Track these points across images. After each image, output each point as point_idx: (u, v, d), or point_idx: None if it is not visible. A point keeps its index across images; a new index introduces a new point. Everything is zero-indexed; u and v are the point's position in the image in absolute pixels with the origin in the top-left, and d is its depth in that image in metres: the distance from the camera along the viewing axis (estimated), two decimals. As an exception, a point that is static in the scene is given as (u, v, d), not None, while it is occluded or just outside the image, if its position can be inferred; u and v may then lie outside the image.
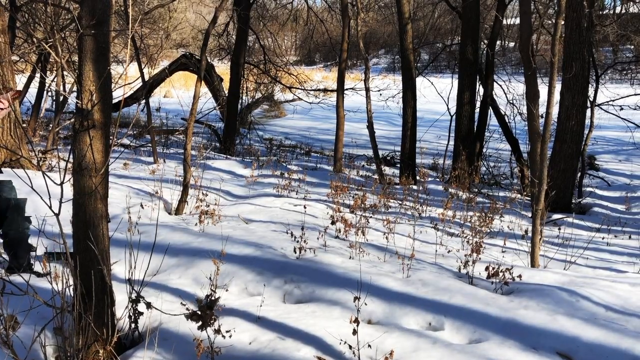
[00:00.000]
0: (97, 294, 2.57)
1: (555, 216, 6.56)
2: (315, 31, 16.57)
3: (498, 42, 16.26)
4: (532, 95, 5.30)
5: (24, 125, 8.33)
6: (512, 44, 26.67)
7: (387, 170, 9.48)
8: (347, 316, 3.04)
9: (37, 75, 8.76)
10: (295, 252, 4.17)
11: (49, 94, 9.99)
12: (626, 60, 16.02)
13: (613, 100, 8.94)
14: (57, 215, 2.49)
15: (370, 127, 8.51)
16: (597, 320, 3.19)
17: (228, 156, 9.46)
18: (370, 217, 5.67)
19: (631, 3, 13.34)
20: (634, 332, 3.08)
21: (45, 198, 2.44)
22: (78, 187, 2.59)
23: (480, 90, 9.27)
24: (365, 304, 3.16)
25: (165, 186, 6.10)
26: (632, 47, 20.71)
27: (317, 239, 4.62)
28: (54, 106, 9.77)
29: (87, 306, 2.55)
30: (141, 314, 2.79)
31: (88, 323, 2.52)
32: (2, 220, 3.63)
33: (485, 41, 9.99)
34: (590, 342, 2.92)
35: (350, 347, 2.63)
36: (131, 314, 2.79)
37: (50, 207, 2.48)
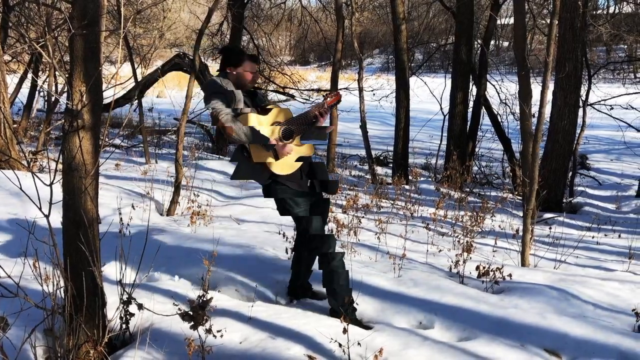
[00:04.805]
0: (88, 295, 2.57)
1: (547, 215, 6.61)
2: (310, 31, 16.55)
3: (492, 42, 16.31)
4: (525, 94, 5.32)
5: (15, 125, 8.30)
6: (505, 44, 26.77)
7: (380, 170, 9.50)
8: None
9: (29, 75, 8.73)
10: (287, 253, 4.18)
11: (41, 94, 9.95)
12: (618, 60, 16.13)
13: (605, 100, 9.00)
14: (47, 216, 2.49)
15: (363, 126, 8.54)
16: (585, 318, 3.22)
17: (220, 156, 9.47)
18: (363, 217, 5.69)
19: (624, 3, 13.42)
20: (622, 329, 3.12)
21: (35, 199, 2.44)
22: (68, 188, 2.59)
23: (473, 89, 9.30)
24: (357, 304, 3.17)
25: (157, 187, 6.09)
26: (625, 46, 20.85)
27: (310, 239, 4.63)
28: (45, 106, 9.73)
29: (78, 307, 2.55)
30: (132, 315, 2.80)
31: (79, 324, 2.52)
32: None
33: (479, 41, 10.03)
34: (579, 339, 2.95)
35: (340, 345, 2.64)
36: (122, 315, 2.79)
37: (40, 209, 2.48)
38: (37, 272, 2.75)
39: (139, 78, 9.05)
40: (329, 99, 3.31)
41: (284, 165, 3.16)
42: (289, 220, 5.20)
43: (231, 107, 3.09)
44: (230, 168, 8.06)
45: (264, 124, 3.12)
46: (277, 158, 3.12)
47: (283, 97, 12.15)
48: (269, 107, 3.26)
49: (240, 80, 3.22)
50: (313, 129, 3.28)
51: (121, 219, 4.34)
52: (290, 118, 3.24)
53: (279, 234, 4.71)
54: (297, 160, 3.21)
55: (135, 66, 8.49)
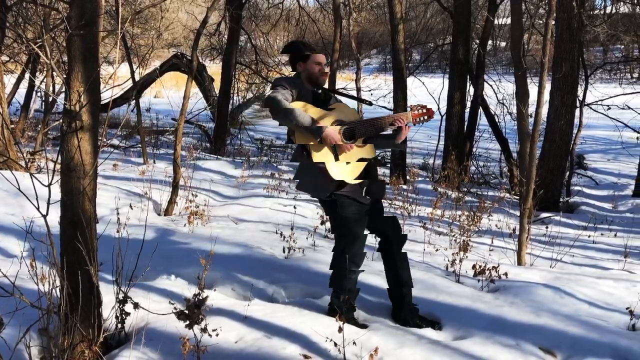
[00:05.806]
0: (84, 294, 2.58)
1: (543, 215, 6.62)
2: (308, 31, 16.54)
3: (489, 42, 16.34)
4: (522, 95, 5.34)
5: (12, 126, 8.29)
6: (503, 44, 26.82)
7: (378, 170, 9.51)
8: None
9: (27, 75, 8.72)
10: (284, 252, 4.19)
11: (38, 94, 9.95)
12: (615, 60, 16.15)
13: (602, 100, 9.02)
14: (44, 217, 2.50)
15: (361, 127, 8.51)
16: (580, 316, 3.24)
17: (218, 156, 9.46)
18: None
19: (621, 3, 13.44)
20: (616, 327, 3.14)
21: (33, 199, 2.45)
22: (66, 188, 2.60)
23: (470, 90, 9.32)
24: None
25: (154, 187, 6.09)
26: (622, 46, 20.90)
27: (307, 238, 4.65)
28: (43, 107, 9.72)
29: (74, 306, 2.56)
30: (128, 314, 2.80)
31: (74, 323, 2.53)
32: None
33: (477, 41, 10.04)
34: (573, 337, 2.96)
35: (335, 344, 2.65)
36: (118, 315, 2.80)
37: (38, 209, 2.49)
38: (33, 271, 2.75)
39: (137, 78, 9.05)
40: (416, 111, 3.07)
41: (343, 169, 2.89)
42: (286, 219, 5.22)
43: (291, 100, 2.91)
44: (228, 168, 8.05)
45: (324, 120, 2.90)
46: (337, 157, 2.87)
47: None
48: (332, 105, 3.04)
49: (310, 76, 3.04)
50: (383, 137, 3.07)
51: (119, 218, 4.34)
52: (358, 120, 3.01)
53: (276, 233, 4.72)
54: (359, 161, 2.95)
55: (134, 66, 8.49)
